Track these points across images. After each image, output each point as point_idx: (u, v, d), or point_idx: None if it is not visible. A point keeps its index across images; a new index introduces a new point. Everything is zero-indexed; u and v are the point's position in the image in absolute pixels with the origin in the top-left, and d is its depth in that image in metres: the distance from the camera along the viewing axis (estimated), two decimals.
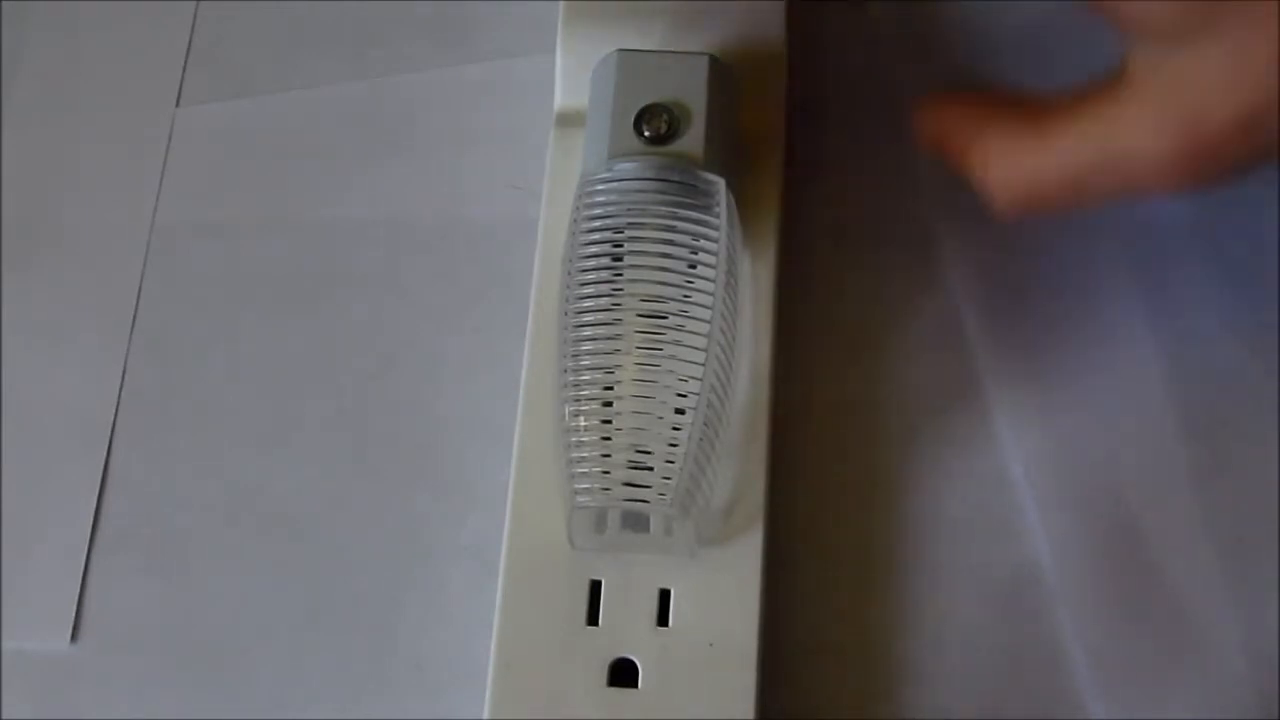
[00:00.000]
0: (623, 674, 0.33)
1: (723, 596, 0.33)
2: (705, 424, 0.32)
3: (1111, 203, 0.33)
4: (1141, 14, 0.30)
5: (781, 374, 0.36)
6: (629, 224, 0.34)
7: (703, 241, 0.34)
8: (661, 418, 0.32)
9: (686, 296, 0.33)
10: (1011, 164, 0.33)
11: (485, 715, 0.33)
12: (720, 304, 0.33)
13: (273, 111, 0.43)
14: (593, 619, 0.33)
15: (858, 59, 0.41)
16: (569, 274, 0.34)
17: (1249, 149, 0.31)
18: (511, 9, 0.43)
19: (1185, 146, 0.31)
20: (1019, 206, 0.33)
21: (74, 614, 0.37)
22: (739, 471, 0.34)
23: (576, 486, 0.32)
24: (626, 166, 0.34)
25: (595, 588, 0.34)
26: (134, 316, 0.40)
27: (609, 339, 0.33)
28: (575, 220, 0.34)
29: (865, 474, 0.37)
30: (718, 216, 0.34)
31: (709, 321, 0.33)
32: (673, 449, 0.32)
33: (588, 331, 0.33)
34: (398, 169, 0.41)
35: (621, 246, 0.34)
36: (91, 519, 0.38)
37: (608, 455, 0.32)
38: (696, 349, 0.33)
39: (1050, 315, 0.38)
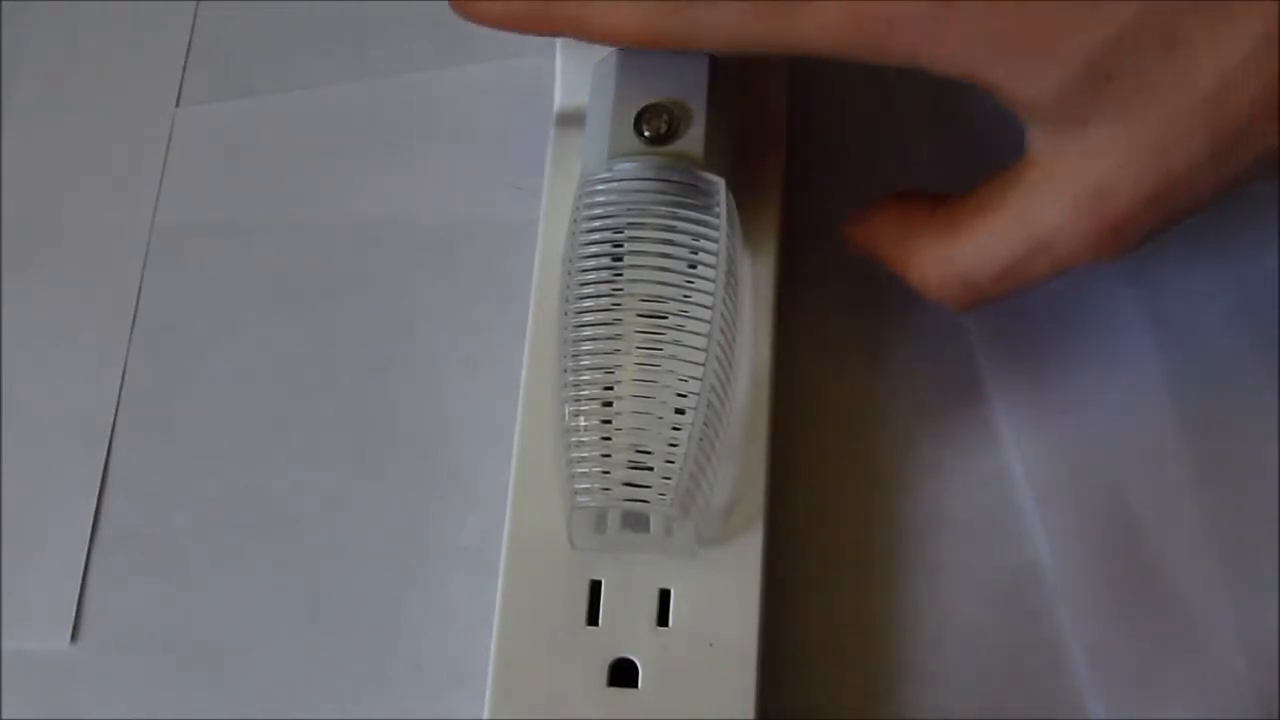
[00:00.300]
0: (623, 674, 0.33)
1: (723, 596, 0.33)
2: (705, 424, 0.32)
3: (1049, 282, 0.33)
4: (1032, 98, 0.31)
5: (781, 374, 0.36)
6: (629, 224, 0.34)
7: (703, 241, 0.34)
8: (661, 418, 0.32)
9: (686, 296, 0.33)
10: (947, 265, 0.34)
11: (485, 715, 0.33)
12: (720, 304, 0.33)
13: (273, 111, 0.43)
14: (593, 619, 0.33)
15: None
16: (569, 274, 0.34)
17: (1161, 219, 0.31)
18: None
19: (1098, 225, 0.31)
20: (964, 303, 0.34)
21: (74, 614, 0.37)
22: (739, 471, 0.34)
23: (576, 486, 0.32)
24: (626, 166, 0.34)
25: (595, 588, 0.34)
26: (134, 316, 0.40)
27: (609, 339, 0.33)
28: (575, 220, 0.34)
29: (865, 474, 0.37)
30: (718, 216, 0.34)
31: (709, 321, 0.33)
32: (673, 449, 0.32)
33: (588, 331, 0.33)
34: (398, 169, 0.41)
35: (621, 246, 0.34)
36: (91, 519, 0.38)
37: (608, 455, 0.32)
38: (696, 349, 0.33)
39: (1050, 315, 0.38)
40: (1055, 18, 0.29)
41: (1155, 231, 0.32)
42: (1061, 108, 0.31)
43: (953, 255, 0.33)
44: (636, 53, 0.35)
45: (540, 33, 0.33)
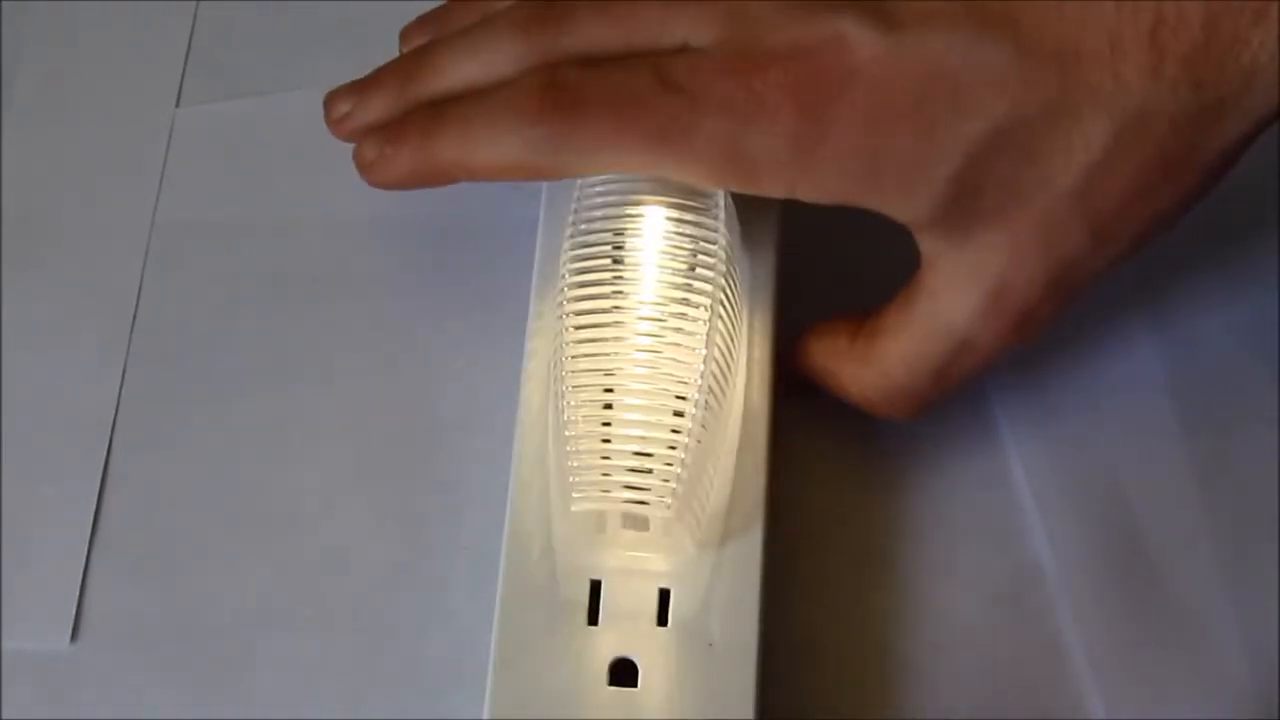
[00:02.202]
0: (623, 674, 0.33)
1: (723, 596, 0.33)
2: (705, 424, 0.32)
3: (982, 376, 0.34)
4: (910, 218, 0.32)
5: (781, 374, 0.36)
6: (629, 224, 0.34)
7: (702, 243, 0.34)
8: (661, 418, 0.32)
9: (686, 298, 0.33)
10: (884, 381, 0.35)
11: (485, 715, 0.33)
12: (720, 304, 0.33)
13: (273, 111, 0.43)
14: (593, 619, 0.33)
15: None
16: (569, 274, 0.34)
17: (1064, 302, 0.33)
18: None
19: (1005, 321, 0.33)
20: (910, 412, 0.35)
21: (74, 614, 0.37)
22: (739, 471, 0.34)
23: (576, 487, 0.32)
24: None
25: (595, 588, 0.34)
26: (134, 316, 0.40)
27: (609, 339, 0.33)
28: (575, 220, 0.34)
29: (865, 474, 0.37)
30: (717, 217, 0.34)
31: (708, 322, 0.33)
32: (672, 450, 0.32)
33: (588, 332, 0.33)
34: None
35: (621, 247, 0.34)
36: (91, 519, 0.38)
37: (607, 456, 0.32)
38: (696, 349, 0.33)
39: None
40: (912, 148, 0.31)
41: (1063, 310, 0.33)
42: (942, 222, 0.32)
43: (886, 371, 0.34)
44: None
45: (435, 183, 0.34)
